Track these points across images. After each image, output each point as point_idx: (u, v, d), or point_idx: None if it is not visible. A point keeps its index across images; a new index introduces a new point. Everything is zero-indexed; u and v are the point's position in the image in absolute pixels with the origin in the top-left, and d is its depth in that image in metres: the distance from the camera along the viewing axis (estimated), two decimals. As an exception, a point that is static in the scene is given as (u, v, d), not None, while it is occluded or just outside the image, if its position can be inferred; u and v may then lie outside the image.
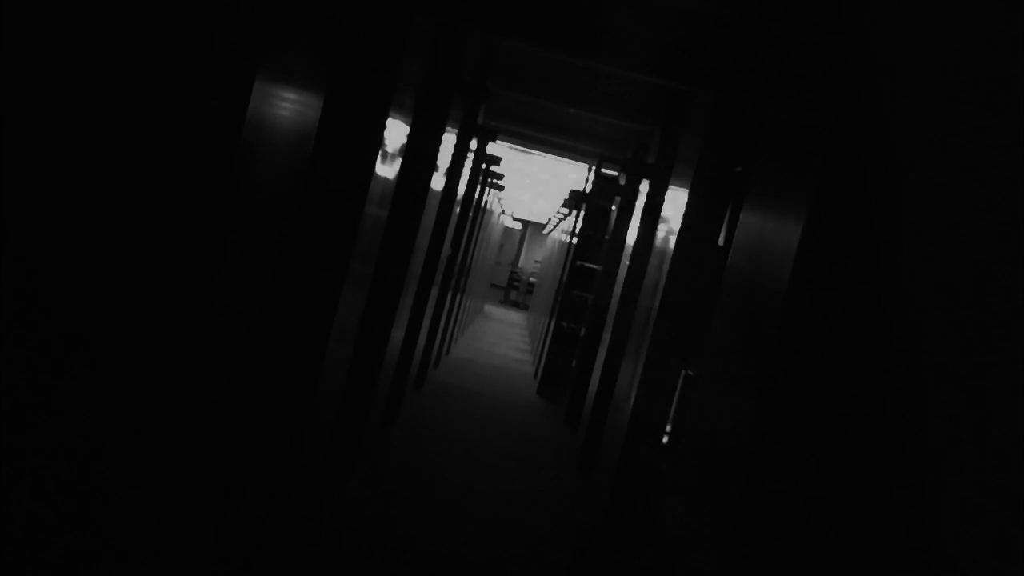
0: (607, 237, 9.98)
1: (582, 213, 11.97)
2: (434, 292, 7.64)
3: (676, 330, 3.79)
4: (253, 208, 2.38)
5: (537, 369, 12.90)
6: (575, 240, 11.92)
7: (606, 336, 7.64)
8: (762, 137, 2.63)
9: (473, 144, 8.01)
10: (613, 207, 10.07)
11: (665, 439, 3.76)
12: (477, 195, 10.05)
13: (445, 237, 7.36)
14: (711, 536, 2.24)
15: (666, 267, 3.86)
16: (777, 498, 2.01)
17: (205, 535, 3.24)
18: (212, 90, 2.11)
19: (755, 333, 2.12)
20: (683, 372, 3.66)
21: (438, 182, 6.30)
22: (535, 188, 19.58)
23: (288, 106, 2.51)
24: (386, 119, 3.85)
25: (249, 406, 3.48)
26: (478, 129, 7.69)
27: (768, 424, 1.99)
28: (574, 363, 10.06)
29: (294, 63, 2.52)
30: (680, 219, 3.89)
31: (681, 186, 4.21)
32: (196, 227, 2.07)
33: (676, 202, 4.25)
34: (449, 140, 6.37)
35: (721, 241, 3.69)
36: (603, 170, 11.10)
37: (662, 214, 4.77)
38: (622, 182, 9.62)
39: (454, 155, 7.02)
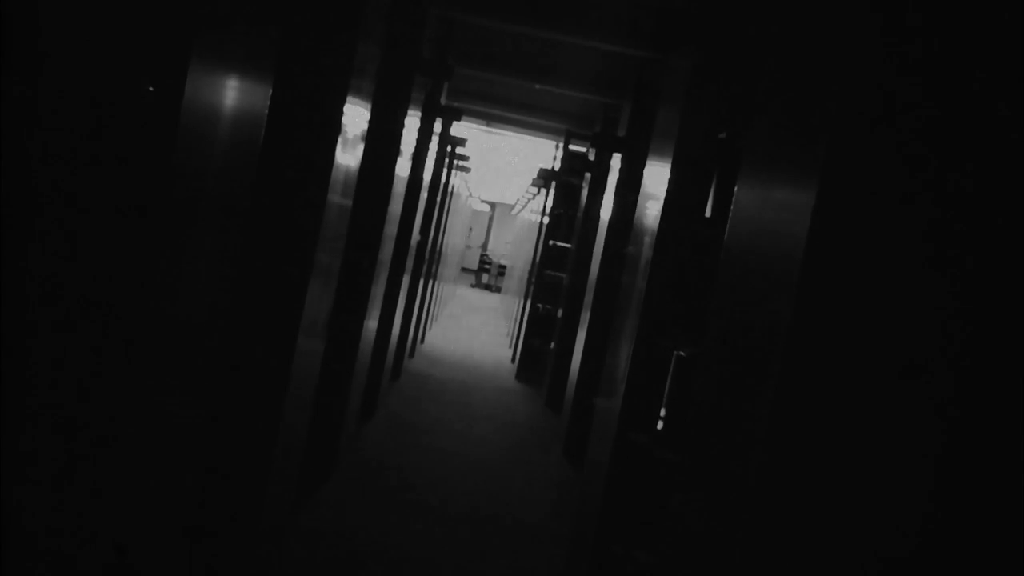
0: (579, 215, 9.79)
1: (551, 191, 11.77)
2: (405, 280, 7.46)
3: (666, 309, 3.59)
4: (197, 200, 2.16)
5: (514, 353, 12.71)
6: (546, 219, 11.72)
7: (585, 317, 7.45)
8: (756, 101, 2.43)
9: (437, 127, 7.78)
10: (583, 184, 9.88)
11: (660, 424, 3.57)
12: (444, 178, 9.82)
13: (413, 223, 7.16)
14: (727, 535, 2.05)
15: (651, 243, 3.66)
16: (797, 495, 1.82)
17: (178, 546, 3.05)
18: (146, 73, 1.88)
19: (763, 316, 1.93)
20: (675, 353, 3.47)
21: (403, 167, 6.09)
22: (502, 168, 19.39)
23: (231, 94, 2.29)
24: (344, 104, 3.63)
25: (212, 409, 3.27)
26: (441, 109, 7.46)
27: (785, 415, 1.80)
28: (552, 345, 9.88)
29: (235, 46, 2.29)
30: (662, 192, 3.68)
31: (660, 157, 4.01)
32: (134, 219, 1.84)
33: (656, 174, 4.05)
34: (412, 123, 6.15)
35: (708, 212, 3.49)
36: (571, 146, 10.90)
37: (642, 188, 4.57)
38: (591, 157, 9.42)
39: (418, 138, 6.79)
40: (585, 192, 9.53)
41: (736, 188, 2.36)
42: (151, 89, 1.89)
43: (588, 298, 7.48)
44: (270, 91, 2.76)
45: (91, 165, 1.79)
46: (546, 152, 14.57)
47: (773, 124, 2.19)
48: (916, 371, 1.72)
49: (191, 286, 2.32)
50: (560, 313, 9.57)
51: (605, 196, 7.86)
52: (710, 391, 2.29)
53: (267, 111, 2.65)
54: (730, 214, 2.37)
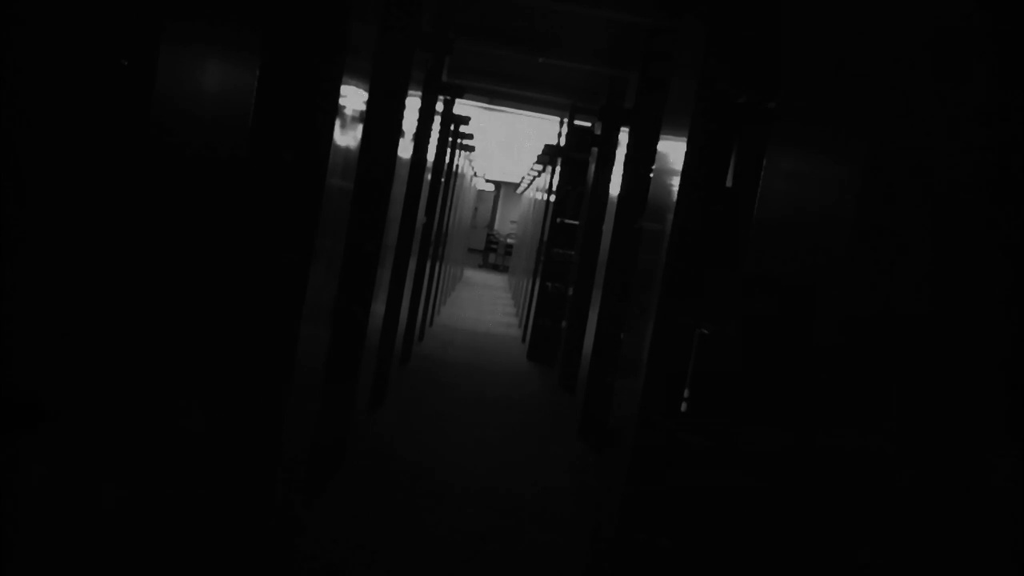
0: (586, 191, 9.60)
1: (557, 168, 11.59)
2: (412, 263, 7.30)
3: (687, 285, 3.41)
4: (177, 187, 1.99)
5: (525, 332, 12.56)
6: (552, 197, 11.54)
7: (597, 295, 7.28)
8: (787, 63, 2.24)
9: (439, 106, 7.59)
10: (590, 159, 9.69)
11: (683, 406, 3.41)
12: (448, 159, 9.64)
13: (418, 205, 7.00)
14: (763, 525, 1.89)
15: (669, 217, 3.48)
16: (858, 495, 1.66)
17: (178, 547, 2.92)
18: (118, 45, 1.71)
19: (807, 297, 1.75)
20: (697, 331, 3.30)
21: (405, 148, 5.91)
22: (506, 146, 19.19)
23: (212, 77, 2.11)
24: (340, 84, 3.47)
25: (213, 401, 3.13)
26: (443, 87, 7.26)
27: (835, 402, 1.63)
28: (564, 324, 9.72)
29: (215, 24, 2.12)
30: (679, 163, 3.50)
31: (676, 126, 3.82)
32: (106, 203, 1.68)
33: (671, 144, 3.86)
34: (413, 102, 5.96)
35: (729, 182, 3.31)
36: (576, 122, 10.70)
37: (656, 159, 4.39)
38: (598, 132, 9.22)
39: (420, 117, 6.61)
40: (592, 168, 9.34)
41: (766, 159, 2.18)
42: (124, 63, 1.72)
43: (600, 276, 7.31)
44: (257, 72, 2.59)
45: (60, 143, 1.63)
46: (550, 128, 14.37)
47: (810, 86, 2.00)
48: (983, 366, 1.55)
49: (183, 273, 2.17)
50: (570, 291, 9.40)
51: (613, 171, 7.67)
52: (743, 373, 2.12)
53: (255, 91, 2.48)
54: (759, 187, 2.19)
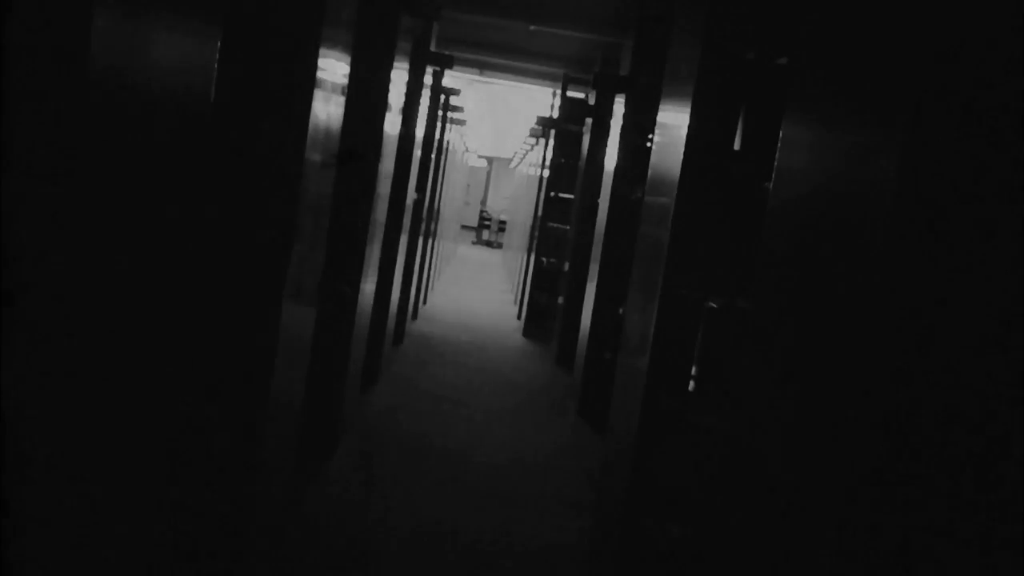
0: (580, 163, 9.39)
1: (551, 141, 11.37)
2: (403, 240, 7.12)
3: (694, 256, 3.21)
4: (127, 163, 1.79)
5: (520, 309, 12.39)
6: (546, 171, 11.33)
7: (594, 269, 7.09)
8: (810, 15, 2.03)
9: (428, 79, 7.36)
10: (584, 131, 9.47)
11: (690, 384, 3.23)
12: (439, 133, 9.41)
13: (408, 181, 6.80)
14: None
15: (674, 184, 3.28)
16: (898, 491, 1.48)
17: (162, 548, 2.76)
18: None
19: (834, 273, 1.57)
20: (706, 304, 3.11)
21: (393, 122, 5.70)
22: (498, 120, 18.96)
23: (162, 47, 1.90)
24: (317, 53, 3.26)
25: (191, 384, 2.96)
26: (431, 57, 7.03)
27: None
28: (560, 300, 9.54)
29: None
30: (683, 127, 3.29)
31: (677, 89, 3.62)
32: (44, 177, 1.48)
33: (674, 109, 3.66)
34: (400, 74, 5.74)
35: (737, 145, 3.12)
36: (569, 92, 10.48)
37: (657, 125, 4.18)
38: (591, 102, 9.01)
39: (407, 90, 6.39)
40: (586, 139, 9.13)
41: (783, 122, 1.98)
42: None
43: (596, 250, 7.12)
44: (218, 45, 2.38)
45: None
46: (543, 100, 14.17)
47: (838, 37, 1.79)
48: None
49: (145, 253, 1.97)
50: (566, 267, 9.21)
51: (609, 141, 7.47)
52: (767, 352, 1.94)
53: (216, 61, 2.27)
54: (777, 154, 1.99)
